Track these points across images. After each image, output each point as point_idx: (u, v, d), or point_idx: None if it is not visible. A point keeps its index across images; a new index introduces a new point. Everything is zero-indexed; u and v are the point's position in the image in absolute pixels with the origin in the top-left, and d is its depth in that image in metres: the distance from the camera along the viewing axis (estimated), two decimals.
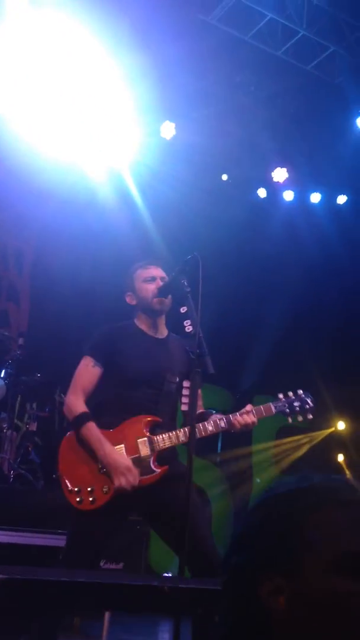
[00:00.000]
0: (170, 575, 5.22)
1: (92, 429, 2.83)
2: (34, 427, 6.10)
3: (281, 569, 0.98)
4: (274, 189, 8.20)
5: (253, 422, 2.92)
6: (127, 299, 3.14)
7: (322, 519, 0.99)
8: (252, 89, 6.83)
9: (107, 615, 4.46)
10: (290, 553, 0.98)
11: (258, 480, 7.49)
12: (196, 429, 2.80)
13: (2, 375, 5.86)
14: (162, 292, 3.00)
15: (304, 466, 7.48)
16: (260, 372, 7.69)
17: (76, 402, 2.91)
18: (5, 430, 5.68)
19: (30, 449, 5.94)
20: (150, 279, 3.07)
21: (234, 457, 7.37)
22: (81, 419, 2.86)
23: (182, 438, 2.83)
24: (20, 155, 7.01)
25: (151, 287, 3.04)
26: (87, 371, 2.96)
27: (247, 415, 2.90)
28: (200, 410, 3.00)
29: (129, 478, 2.75)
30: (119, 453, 2.81)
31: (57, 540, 4.44)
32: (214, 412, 3.05)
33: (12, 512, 4.67)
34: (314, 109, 7.28)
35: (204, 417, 2.96)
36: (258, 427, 3.00)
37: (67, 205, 7.41)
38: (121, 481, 2.73)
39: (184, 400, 2.69)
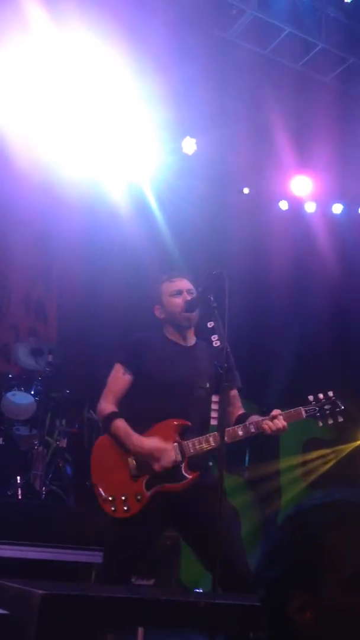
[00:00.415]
0: (202, 591, 5.20)
1: (120, 425, 2.90)
2: (64, 443, 6.15)
3: (306, 586, 0.99)
4: (296, 201, 8.20)
5: (284, 427, 2.89)
6: (156, 312, 3.18)
7: (343, 535, 1.00)
8: (272, 103, 6.86)
9: (140, 631, 4.46)
10: (313, 569, 0.99)
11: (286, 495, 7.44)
12: (227, 434, 2.81)
13: (32, 392, 5.93)
14: (189, 306, 3.04)
15: (333, 480, 7.40)
16: (286, 384, 7.65)
17: (106, 405, 2.99)
18: (36, 447, 5.74)
19: (61, 465, 5.99)
20: (177, 292, 3.10)
21: (262, 471, 7.33)
22: (110, 418, 2.93)
23: (212, 443, 2.84)
24: (43, 172, 7.15)
25: (178, 301, 3.08)
26: (118, 378, 3.02)
27: (277, 420, 2.89)
28: (240, 411, 3.02)
29: (165, 458, 2.77)
30: (147, 439, 2.84)
31: (90, 557, 4.47)
32: (250, 414, 3.06)
33: (45, 528, 4.72)
34: (334, 120, 7.29)
35: (243, 419, 2.98)
36: (285, 441, 3.00)
37: (90, 221, 7.52)
38: (161, 464, 2.76)
39: (214, 414, 2.71)
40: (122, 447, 2.88)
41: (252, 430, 2.89)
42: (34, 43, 5.76)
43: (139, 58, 6.09)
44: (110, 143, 6.98)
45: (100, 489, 2.85)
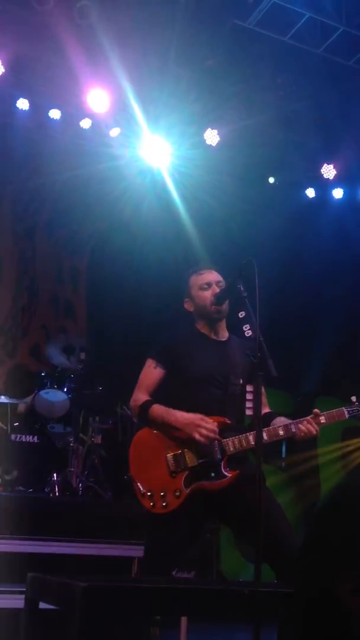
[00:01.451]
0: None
1: (158, 408, 2.90)
2: (98, 439, 6.19)
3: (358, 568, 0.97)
4: (323, 188, 8.11)
5: (317, 431, 2.87)
6: (185, 306, 3.16)
7: None
8: (294, 89, 6.78)
9: (184, 623, 4.47)
10: None
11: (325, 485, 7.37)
12: (267, 433, 2.80)
13: (65, 390, 5.98)
14: (219, 299, 3.01)
15: None
16: (321, 374, 7.58)
17: (139, 396, 2.99)
18: (71, 444, 5.79)
19: (96, 461, 6.03)
20: (206, 285, 3.08)
21: (300, 462, 7.28)
22: (146, 405, 2.92)
23: (252, 442, 2.81)
24: (68, 172, 7.23)
25: (207, 295, 3.05)
26: (150, 372, 3.02)
27: (309, 425, 2.85)
28: (265, 409, 2.99)
29: (206, 427, 2.76)
30: (187, 413, 2.83)
31: (131, 550, 4.50)
32: (275, 413, 3.04)
33: (84, 524, 4.76)
34: (358, 103, 7.18)
35: (268, 418, 2.95)
36: (322, 429, 2.96)
37: (114, 217, 7.56)
38: (202, 434, 2.75)
39: (249, 404, 2.68)
40: (163, 438, 2.86)
41: (294, 430, 2.85)
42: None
43: (163, 51, 6.09)
44: (134, 137, 7.00)
45: (139, 484, 2.85)
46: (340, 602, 0.96)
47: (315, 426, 2.87)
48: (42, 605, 1.80)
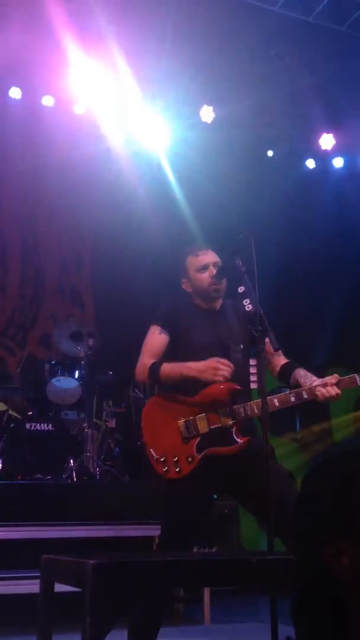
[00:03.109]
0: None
1: (168, 365, 2.90)
2: (112, 423, 6.24)
3: (341, 531, 0.98)
4: (323, 158, 8.03)
5: (337, 394, 2.81)
6: (183, 286, 3.16)
7: None
8: (288, 59, 6.70)
9: (207, 599, 4.54)
10: (348, 514, 0.97)
11: None
12: (278, 399, 2.80)
13: (76, 376, 6.02)
14: (217, 276, 3.01)
15: None
16: (331, 345, 7.57)
17: (144, 361, 2.96)
18: (86, 430, 5.84)
19: (112, 445, 6.09)
20: (203, 267, 3.07)
21: (314, 434, 7.30)
22: (155, 366, 2.92)
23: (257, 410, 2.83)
24: (65, 158, 7.21)
25: (205, 276, 3.05)
26: (154, 337, 3.01)
27: (330, 388, 2.82)
28: (282, 361, 2.99)
29: (224, 368, 2.79)
30: (200, 362, 2.84)
31: (149, 530, 4.55)
32: (295, 365, 3.02)
33: (103, 507, 4.82)
34: (355, 70, 7.08)
35: (288, 370, 2.95)
36: (337, 404, 2.94)
37: (112, 202, 7.52)
38: (222, 374, 2.77)
39: (253, 378, 2.69)
40: (174, 405, 2.87)
41: (305, 396, 2.83)
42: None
43: (156, 28, 6.03)
44: (130, 118, 6.95)
45: (152, 450, 2.88)
46: (326, 566, 0.98)
47: (337, 389, 2.81)
48: (60, 588, 1.83)
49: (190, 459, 2.81)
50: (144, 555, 1.63)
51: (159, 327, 3.02)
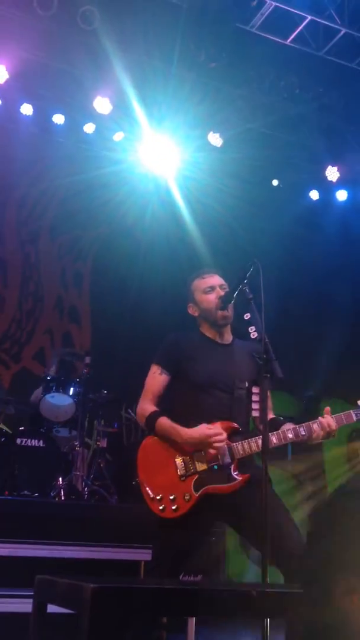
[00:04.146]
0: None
1: (164, 422, 2.89)
2: (104, 443, 6.20)
3: (351, 569, 0.97)
4: (327, 190, 8.12)
5: (335, 429, 2.83)
6: (189, 310, 3.16)
7: None
8: (297, 92, 6.80)
9: (191, 626, 4.46)
10: (358, 552, 0.96)
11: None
12: (276, 436, 2.79)
13: (70, 393, 5.98)
14: (223, 302, 3.01)
15: None
16: (326, 376, 7.56)
17: (146, 406, 2.98)
18: (76, 448, 5.79)
19: (102, 465, 6.04)
20: (210, 288, 3.08)
21: (306, 464, 7.26)
22: (153, 417, 2.92)
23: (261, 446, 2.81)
24: (71, 176, 7.26)
25: (212, 298, 3.05)
26: (155, 379, 3.02)
27: (329, 420, 2.83)
28: (270, 416, 2.98)
29: (216, 439, 2.77)
30: (194, 428, 2.83)
31: (137, 554, 4.49)
32: (282, 419, 3.02)
33: (89, 527, 4.75)
34: None
35: (274, 424, 2.94)
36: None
37: (117, 222, 7.59)
38: (215, 445, 2.76)
39: (255, 406, 2.67)
40: (171, 444, 2.86)
41: (303, 433, 2.84)
42: None
43: (163, 53, 6.13)
44: (137, 140, 7.03)
45: (148, 488, 2.84)
46: (337, 602, 0.96)
47: (333, 422, 2.82)
48: (50, 609, 1.80)
49: (187, 497, 2.78)
50: (145, 582, 1.61)
51: (160, 368, 3.03)
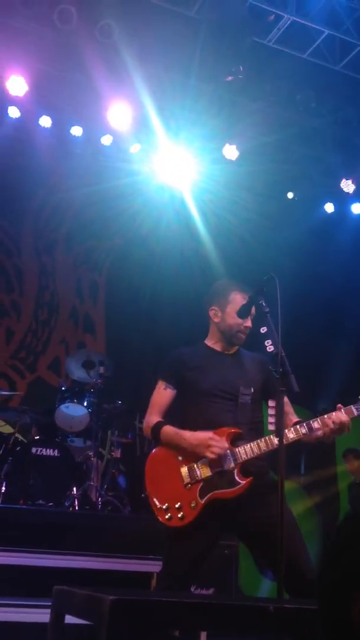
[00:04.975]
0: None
1: (168, 430, 2.95)
2: (118, 453, 6.21)
3: None
4: (342, 203, 8.12)
5: (347, 421, 2.83)
6: (210, 313, 3.17)
7: None
8: (314, 105, 6.82)
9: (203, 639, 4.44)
10: None
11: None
12: (288, 431, 2.79)
13: (85, 404, 6.01)
14: (241, 313, 3.03)
15: None
16: (339, 389, 7.53)
17: (150, 418, 3.03)
18: (91, 459, 5.81)
19: (116, 475, 6.04)
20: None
21: (319, 478, 7.22)
22: (158, 426, 2.97)
23: (263, 448, 2.83)
24: (88, 187, 7.33)
25: (242, 321, 3.07)
26: (160, 394, 3.07)
27: (339, 413, 2.82)
28: (294, 419, 3.00)
29: (217, 445, 2.79)
30: (196, 433, 2.87)
31: (149, 566, 4.48)
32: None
33: (103, 538, 4.75)
34: None
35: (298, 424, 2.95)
36: (341, 446, 2.91)
37: (132, 233, 7.64)
38: (213, 451, 2.77)
39: (271, 420, 2.68)
40: (176, 453, 2.89)
41: (317, 425, 2.84)
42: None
43: (181, 66, 6.19)
44: (154, 152, 7.08)
45: (155, 499, 2.87)
46: (354, 621, 0.96)
47: (346, 416, 2.82)
48: (67, 619, 1.81)
49: (193, 505, 2.80)
50: (163, 595, 1.62)
51: (164, 383, 3.08)
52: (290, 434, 2.83)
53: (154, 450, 3.03)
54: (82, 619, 1.55)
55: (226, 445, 2.83)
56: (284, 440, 2.76)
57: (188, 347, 3.21)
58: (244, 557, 5.79)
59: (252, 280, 3.06)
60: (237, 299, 3.10)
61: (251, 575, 6.00)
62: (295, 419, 3.01)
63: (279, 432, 2.55)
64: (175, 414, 3.11)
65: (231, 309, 3.10)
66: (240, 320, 3.06)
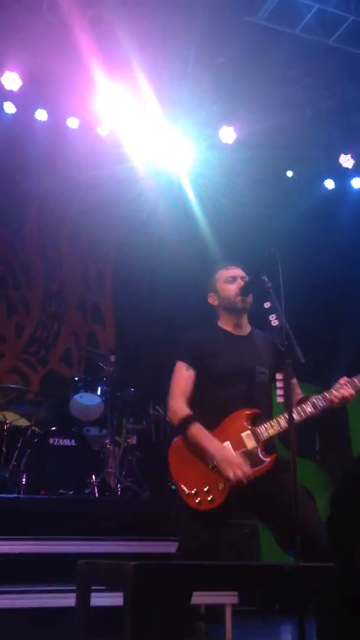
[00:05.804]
0: None
1: (199, 429, 2.93)
2: (134, 440, 6.28)
3: None
4: (342, 178, 8.11)
5: (351, 395, 2.87)
6: (209, 300, 3.23)
7: None
8: (309, 81, 6.81)
9: (228, 618, 4.52)
10: None
11: None
12: (296, 413, 2.83)
13: (98, 393, 6.08)
14: (244, 291, 3.07)
15: None
16: (349, 366, 7.55)
17: (179, 406, 3.00)
18: (108, 446, 5.89)
19: (133, 461, 6.12)
20: (232, 279, 3.14)
21: (334, 453, 7.25)
22: (187, 421, 2.95)
23: (283, 424, 2.86)
24: (88, 177, 7.37)
25: (233, 287, 3.12)
26: (182, 375, 3.07)
27: (342, 389, 2.88)
28: (299, 397, 3.04)
29: (242, 469, 2.81)
30: (228, 449, 2.88)
31: (169, 547, 4.55)
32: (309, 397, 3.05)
33: (124, 522, 4.84)
34: None
35: (303, 402, 2.98)
36: (356, 421, 2.94)
37: (133, 219, 7.67)
38: (236, 473, 2.79)
39: (279, 392, 2.72)
40: (198, 452, 2.91)
41: (321, 404, 2.88)
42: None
43: (179, 52, 6.18)
44: (153, 138, 7.09)
45: (182, 486, 2.90)
46: (355, 567, 1.00)
47: (350, 390, 2.87)
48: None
49: (221, 487, 2.84)
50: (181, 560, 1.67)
51: (185, 364, 3.07)
52: (296, 415, 2.83)
53: (175, 440, 3.03)
54: (106, 586, 1.61)
55: (250, 472, 2.82)
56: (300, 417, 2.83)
57: (201, 328, 3.23)
58: (266, 536, 5.85)
59: (249, 263, 3.11)
60: (222, 274, 3.18)
61: (275, 554, 6.06)
62: (300, 396, 3.04)
63: (288, 405, 2.60)
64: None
65: (220, 285, 3.17)
66: (231, 287, 3.11)
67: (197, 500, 2.85)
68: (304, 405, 2.88)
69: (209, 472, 2.86)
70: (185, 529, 2.96)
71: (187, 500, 2.87)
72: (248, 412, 2.93)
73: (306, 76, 6.93)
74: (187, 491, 2.88)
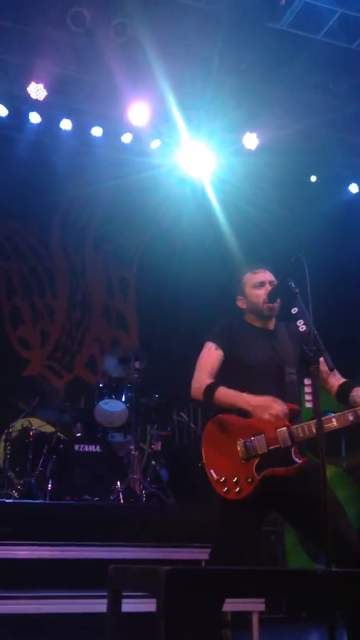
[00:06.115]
0: None
1: (225, 390, 2.93)
2: (158, 446, 6.29)
3: None
4: None
5: None
6: (238, 303, 3.22)
7: None
8: (332, 86, 6.79)
9: (255, 625, 4.49)
10: None
11: None
12: (336, 419, 2.80)
13: (123, 399, 6.10)
14: (271, 297, 3.07)
15: None
16: None
17: (202, 379, 3.01)
18: (132, 452, 5.90)
19: (157, 467, 6.13)
20: (260, 284, 3.14)
21: None
22: (212, 387, 2.96)
23: (315, 431, 2.82)
24: (111, 185, 7.42)
25: (261, 293, 3.11)
26: (210, 354, 3.06)
27: None
28: (339, 381, 3.01)
29: (277, 408, 2.81)
30: (257, 396, 2.87)
31: (196, 553, 4.55)
32: (356, 385, 3.01)
33: (149, 529, 4.84)
34: None
35: (348, 388, 2.95)
36: None
37: (156, 227, 7.71)
38: (270, 412, 2.79)
39: (308, 397, 2.71)
40: (233, 427, 2.90)
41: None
42: None
43: (202, 59, 6.21)
44: (174, 145, 7.12)
45: (212, 471, 2.90)
46: None
47: None
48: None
49: (250, 480, 2.83)
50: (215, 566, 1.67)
51: (214, 344, 3.07)
52: (335, 421, 2.79)
53: (208, 425, 3.02)
54: (139, 591, 1.62)
55: (287, 410, 2.83)
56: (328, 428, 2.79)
57: (233, 320, 3.22)
58: (292, 541, 5.82)
59: (279, 262, 3.10)
60: (250, 278, 3.17)
61: (300, 559, 6.02)
62: (340, 380, 3.00)
63: (316, 410, 2.58)
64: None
65: (249, 290, 3.15)
66: (260, 292, 3.10)
67: (224, 489, 2.85)
68: (346, 414, 2.80)
69: (239, 462, 2.86)
70: (220, 530, 2.93)
71: (215, 486, 2.88)
72: (290, 406, 2.88)
73: (329, 81, 6.91)
74: (215, 477, 2.88)
